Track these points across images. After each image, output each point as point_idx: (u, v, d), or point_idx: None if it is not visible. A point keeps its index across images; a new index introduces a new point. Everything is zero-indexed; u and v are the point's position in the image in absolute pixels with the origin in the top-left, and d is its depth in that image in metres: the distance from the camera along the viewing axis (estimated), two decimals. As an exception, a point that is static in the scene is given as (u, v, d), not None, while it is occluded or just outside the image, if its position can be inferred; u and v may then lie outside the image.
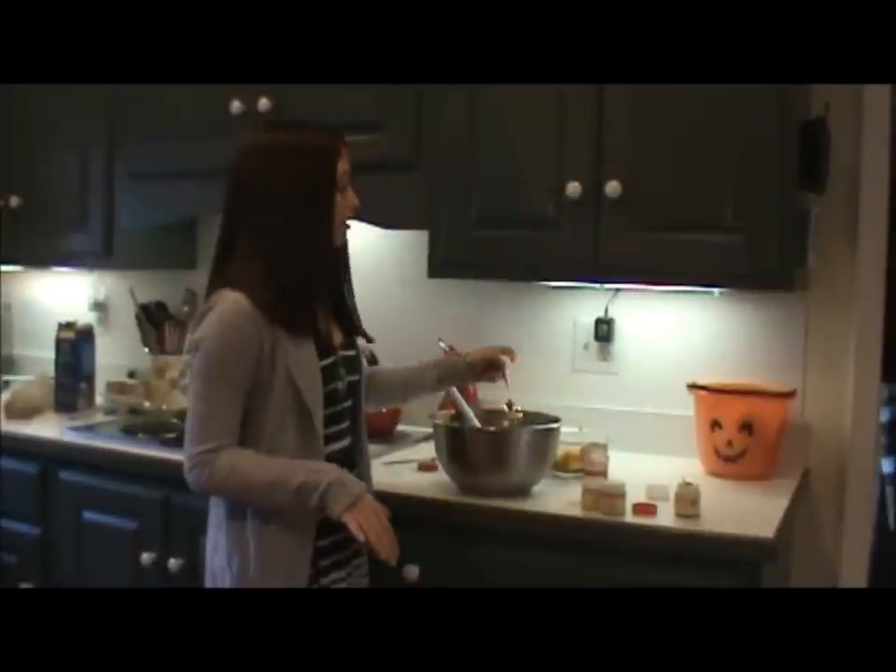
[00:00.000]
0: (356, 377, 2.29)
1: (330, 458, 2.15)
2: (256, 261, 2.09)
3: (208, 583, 2.20)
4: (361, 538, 2.02)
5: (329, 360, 2.18)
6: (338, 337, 2.26)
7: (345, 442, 2.24)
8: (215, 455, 2.04)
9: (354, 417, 2.28)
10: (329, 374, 2.17)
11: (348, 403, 2.25)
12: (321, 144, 2.12)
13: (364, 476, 2.26)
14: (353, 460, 2.25)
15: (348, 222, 2.21)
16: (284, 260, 2.09)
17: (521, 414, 2.55)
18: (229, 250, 2.15)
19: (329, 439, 2.17)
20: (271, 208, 2.09)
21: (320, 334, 2.17)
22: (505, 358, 2.50)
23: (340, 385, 2.21)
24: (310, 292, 2.14)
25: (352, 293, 2.31)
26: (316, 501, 2.02)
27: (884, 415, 3.96)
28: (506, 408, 2.56)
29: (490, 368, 2.50)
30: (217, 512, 2.17)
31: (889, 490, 4.05)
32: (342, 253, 2.27)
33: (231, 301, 2.05)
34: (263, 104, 2.91)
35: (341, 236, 2.20)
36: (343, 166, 2.13)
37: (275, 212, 2.09)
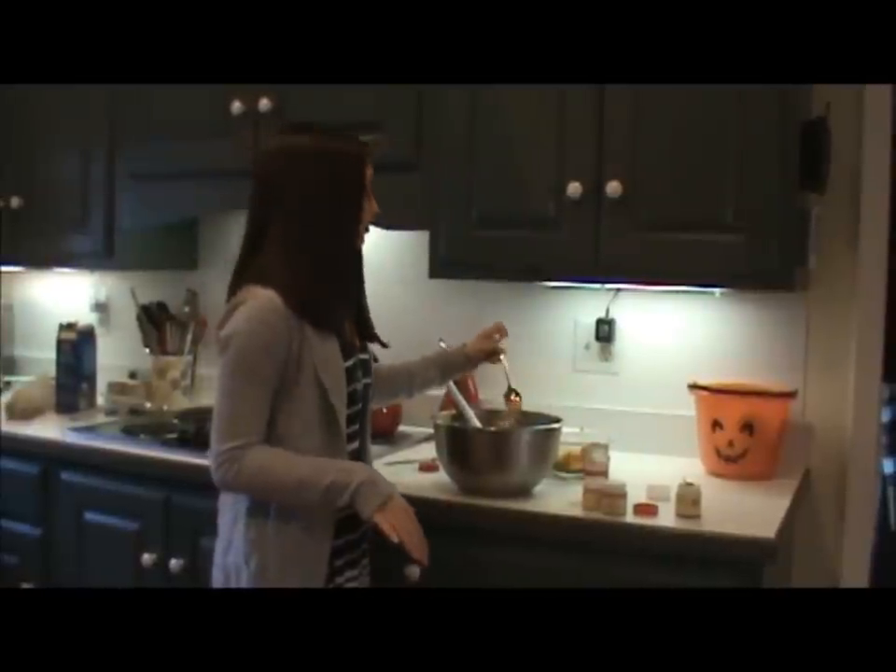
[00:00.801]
0: (369, 380, 2.32)
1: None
2: (286, 260, 2.12)
3: (219, 582, 2.19)
4: (395, 538, 2.05)
5: (351, 362, 2.22)
6: (355, 338, 2.29)
7: (356, 444, 2.27)
8: (242, 453, 2.05)
9: (362, 420, 2.31)
10: (350, 375, 2.20)
11: (360, 405, 2.28)
12: (351, 149, 2.17)
13: None
14: (360, 461, 2.26)
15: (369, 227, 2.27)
16: (315, 261, 2.13)
17: (520, 399, 2.57)
18: (255, 248, 2.17)
19: (349, 438, 2.21)
20: (303, 210, 2.12)
21: (344, 336, 2.21)
22: (502, 344, 2.56)
23: (358, 387, 2.25)
24: (340, 292, 2.19)
25: (365, 297, 2.35)
26: (347, 500, 2.05)
27: (885, 415, 3.96)
28: (507, 397, 2.57)
29: (490, 355, 2.55)
30: (234, 510, 2.17)
31: (890, 490, 4.05)
32: (360, 256, 2.31)
33: (265, 298, 2.08)
34: (264, 104, 2.91)
35: (361, 241, 2.25)
36: (369, 171, 2.19)
37: (308, 213, 2.13)
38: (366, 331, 2.34)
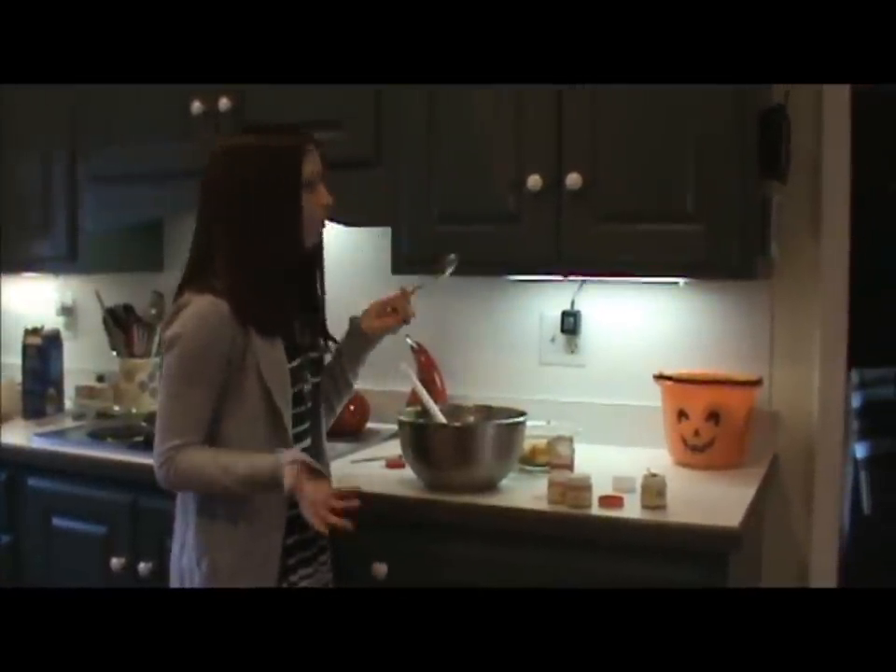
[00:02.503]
0: (318, 379, 2.31)
1: None
2: (228, 264, 2.11)
3: (175, 584, 2.19)
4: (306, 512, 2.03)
5: (297, 362, 2.20)
6: (304, 339, 2.27)
7: (307, 443, 2.26)
8: (178, 452, 2.07)
9: (314, 418, 2.30)
10: (295, 376, 2.19)
11: (311, 404, 2.27)
12: (285, 144, 2.13)
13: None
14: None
15: (323, 222, 2.22)
16: (254, 262, 2.11)
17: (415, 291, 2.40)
18: (202, 252, 2.16)
19: (293, 439, 2.18)
20: (239, 210, 2.10)
21: (291, 335, 2.20)
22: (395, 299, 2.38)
23: (305, 388, 2.24)
24: (281, 294, 2.15)
25: (323, 294, 2.32)
26: (268, 475, 2.05)
27: (856, 401, 3.99)
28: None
29: (385, 316, 2.37)
30: (184, 511, 2.19)
31: (863, 474, 4.07)
32: (315, 253, 2.26)
33: (207, 301, 2.07)
34: (224, 104, 2.90)
35: (314, 236, 2.21)
36: (311, 166, 2.14)
37: (244, 214, 2.10)
38: (317, 329, 2.31)
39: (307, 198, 2.14)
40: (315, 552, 2.25)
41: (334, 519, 2.01)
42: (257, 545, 2.12)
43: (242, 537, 2.11)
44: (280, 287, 2.14)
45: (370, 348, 2.38)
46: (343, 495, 2.07)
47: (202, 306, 2.07)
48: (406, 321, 2.37)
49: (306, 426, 2.26)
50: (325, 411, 2.36)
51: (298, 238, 2.15)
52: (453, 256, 2.42)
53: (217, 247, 2.13)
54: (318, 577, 2.26)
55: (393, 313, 2.35)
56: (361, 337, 2.35)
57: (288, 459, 2.04)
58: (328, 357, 2.36)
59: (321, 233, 2.23)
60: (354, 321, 2.37)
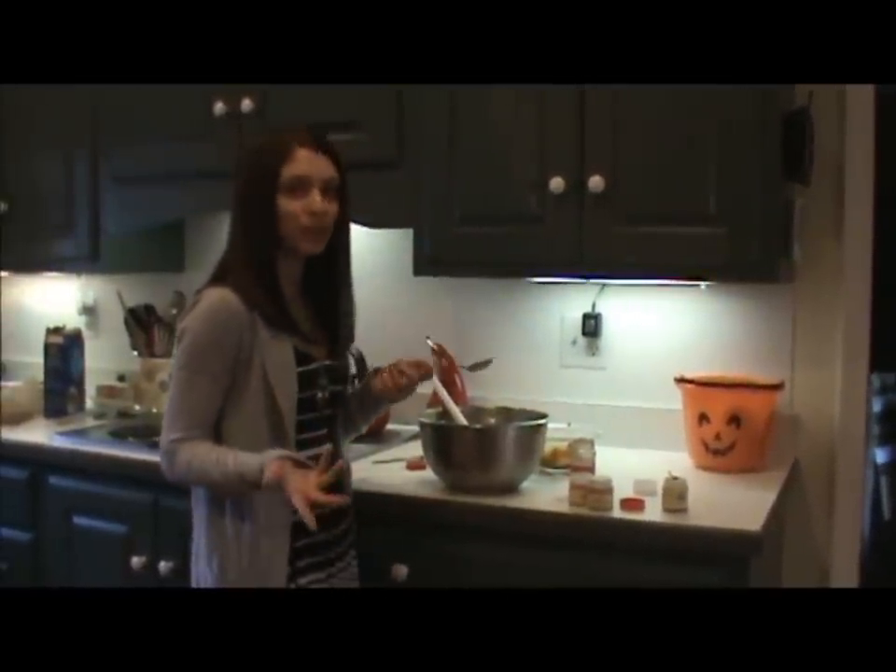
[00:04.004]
0: (339, 387, 2.28)
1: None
2: (232, 259, 2.16)
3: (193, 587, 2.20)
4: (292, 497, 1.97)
5: (309, 367, 2.18)
6: (323, 346, 2.24)
7: (321, 448, 2.14)
8: (180, 445, 2.08)
9: (332, 426, 2.27)
10: (307, 381, 2.17)
11: (328, 411, 2.24)
12: (270, 144, 2.15)
13: (345, 483, 2.25)
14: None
15: (318, 229, 2.15)
16: (242, 262, 2.13)
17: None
18: (224, 250, 2.21)
19: (305, 443, 2.17)
20: (234, 210, 2.18)
21: (302, 340, 2.18)
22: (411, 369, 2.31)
23: (320, 394, 2.21)
24: (279, 289, 2.15)
25: (349, 300, 2.28)
26: (256, 470, 2.00)
27: (876, 405, 3.98)
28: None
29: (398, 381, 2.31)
30: (197, 516, 2.19)
31: (883, 480, 4.06)
32: (331, 259, 2.22)
33: (218, 295, 2.10)
34: (246, 104, 2.90)
35: (307, 243, 2.15)
36: (292, 168, 2.10)
37: (233, 215, 2.18)
38: (336, 336, 2.27)
39: (287, 201, 2.11)
40: (331, 557, 2.22)
41: (323, 499, 1.95)
42: (265, 547, 2.11)
43: (247, 535, 2.10)
44: (268, 286, 2.13)
45: (378, 408, 2.40)
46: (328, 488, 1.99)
47: (213, 300, 2.10)
48: (411, 388, 2.32)
49: (321, 432, 2.22)
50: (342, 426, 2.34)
51: (270, 240, 2.13)
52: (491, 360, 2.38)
53: (228, 244, 2.20)
54: (334, 583, 2.22)
55: (403, 376, 2.29)
56: (370, 394, 2.34)
57: (275, 455, 2.01)
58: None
59: (315, 241, 2.16)
60: (370, 375, 2.38)
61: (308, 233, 2.14)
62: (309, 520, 1.92)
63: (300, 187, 2.11)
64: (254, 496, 2.08)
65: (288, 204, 2.11)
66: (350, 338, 2.33)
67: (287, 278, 2.19)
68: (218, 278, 2.15)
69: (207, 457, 2.06)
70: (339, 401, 2.29)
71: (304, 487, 1.95)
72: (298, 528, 2.09)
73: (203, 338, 2.08)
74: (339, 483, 2.13)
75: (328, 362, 2.24)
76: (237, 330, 2.08)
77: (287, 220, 2.12)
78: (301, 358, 2.16)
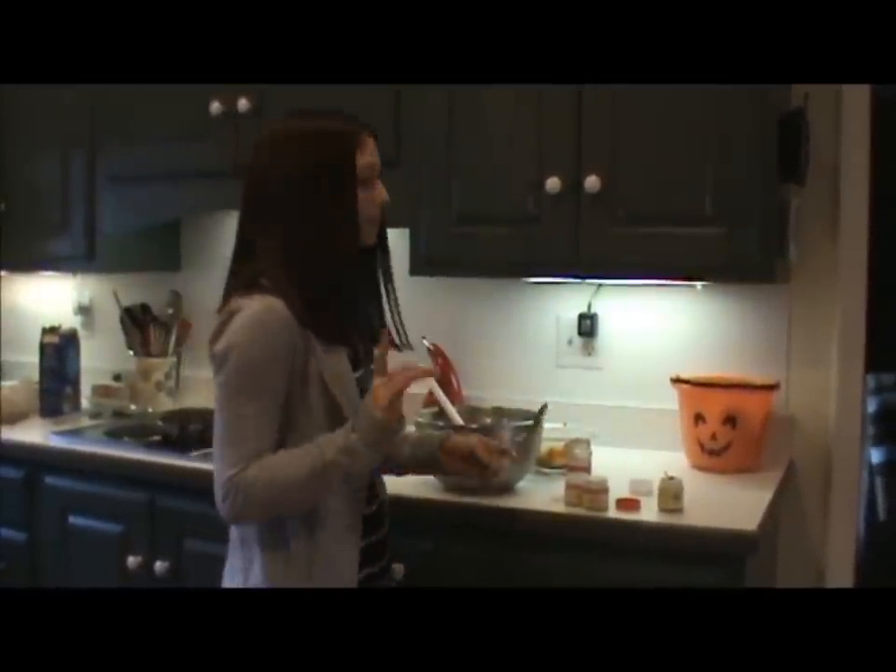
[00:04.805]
0: None
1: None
2: (278, 263, 1.90)
3: None
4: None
5: (360, 372, 2.00)
6: (366, 348, 2.06)
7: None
8: (245, 475, 1.82)
9: None
10: (361, 388, 1.97)
11: None
12: (337, 130, 1.93)
13: (382, 492, 2.12)
14: (381, 486, 2.13)
15: (378, 221, 2.01)
16: (306, 262, 1.90)
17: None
18: (248, 252, 1.95)
19: None
20: (286, 204, 1.91)
21: (353, 344, 1.99)
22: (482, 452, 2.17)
23: None
24: (339, 297, 1.92)
25: (394, 301, 2.10)
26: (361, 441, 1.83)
27: (872, 406, 3.98)
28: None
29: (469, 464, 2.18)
30: (245, 545, 1.97)
31: (878, 480, 4.06)
32: (377, 255, 2.06)
33: (263, 304, 1.85)
34: (243, 104, 2.90)
35: (370, 235, 1.99)
36: (365, 157, 1.93)
37: (291, 208, 1.90)
38: (373, 338, 2.05)
39: (361, 192, 1.93)
40: (383, 566, 2.09)
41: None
42: (335, 551, 1.94)
43: (321, 547, 1.92)
44: (335, 291, 1.92)
45: (429, 472, 2.30)
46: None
47: (256, 310, 1.85)
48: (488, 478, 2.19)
49: None
50: None
51: (352, 236, 1.93)
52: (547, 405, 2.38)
53: (264, 246, 1.92)
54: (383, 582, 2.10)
55: (477, 463, 2.14)
56: (431, 457, 2.19)
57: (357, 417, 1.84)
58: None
59: (375, 233, 2.01)
60: (433, 438, 2.23)
61: (373, 225, 1.99)
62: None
63: (369, 177, 1.95)
64: (321, 509, 1.90)
65: (364, 196, 1.93)
66: (401, 336, 2.12)
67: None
68: (250, 287, 1.89)
69: (285, 462, 1.84)
70: None
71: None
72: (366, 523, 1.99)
73: (256, 353, 1.83)
74: (376, 493, 2.06)
75: (372, 366, 2.01)
76: (290, 340, 1.85)
77: (362, 213, 1.93)
78: (355, 363, 1.99)
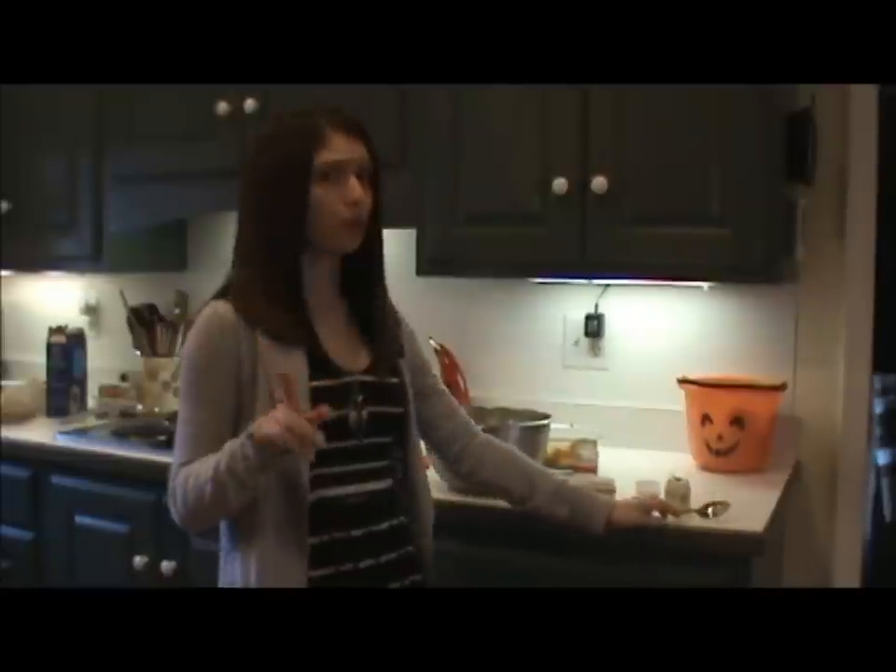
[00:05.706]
0: (384, 408, 1.95)
1: (351, 505, 1.90)
2: (238, 265, 1.92)
3: None
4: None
5: (332, 381, 1.88)
6: (361, 358, 1.96)
7: (379, 484, 1.95)
8: (177, 480, 1.83)
9: (392, 455, 1.99)
10: (330, 398, 1.81)
11: (382, 439, 1.95)
12: (295, 128, 1.86)
13: (417, 532, 2.04)
14: (395, 506, 1.99)
15: (355, 222, 1.88)
16: (248, 262, 1.88)
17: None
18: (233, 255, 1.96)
19: (337, 479, 1.88)
20: (242, 206, 1.92)
21: (316, 349, 1.89)
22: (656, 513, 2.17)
23: (353, 415, 1.89)
24: (287, 298, 1.87)
25: (385, 309, 2.03)
26: (248, 447, 1.71)
27: (878, 407, 3.97)
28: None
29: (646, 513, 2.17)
30: (229, 549, 1.95)
31: (884, 481, 4.05)
32: (367, 256, 1.95)
33: (211, 309, 1.86)
34: (249, 104, 2.90)
35: (342, 238, 1.88)
36: (329, 154, 1.83)
37: (246, 209, 1.91)
38: (381, 350, 1.99)
39: (323, 190, 1.83)
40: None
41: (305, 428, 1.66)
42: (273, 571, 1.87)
43: (258, 569, 1.87)
44: (282, 291, 1.86)
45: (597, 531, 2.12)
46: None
47: (206, 315, 1.85)
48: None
49: (363, 466, 1.92)
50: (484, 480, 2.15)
51: (299, 236, 1.85)
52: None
53: (234, 247, 1.94)
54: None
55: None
56: (599, 521, 2.11)
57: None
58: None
59: (355, 236, 1.89)
60: (601, 505, 2.13)
61: (346, 227, 1.86)
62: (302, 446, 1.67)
63: (333, 173, 1.84)
64: (259, 508, 1.84)
65: (324, 195, 1.83)
66: (394, 347, 2.03)
67: (319, 283, 1.93)
68: (221, 293, 1.89)
69: (197, 467, 1.79)
70: (397, 425, 1.99)
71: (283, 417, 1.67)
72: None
73: (201, 361, 1.83)
74: (408, 531, 2.01)
75: (366, 377, 1.93)
76: (233, 346, 1.82)
77: (322, 214, 1.84)
78: (320, 370, 1.87)
